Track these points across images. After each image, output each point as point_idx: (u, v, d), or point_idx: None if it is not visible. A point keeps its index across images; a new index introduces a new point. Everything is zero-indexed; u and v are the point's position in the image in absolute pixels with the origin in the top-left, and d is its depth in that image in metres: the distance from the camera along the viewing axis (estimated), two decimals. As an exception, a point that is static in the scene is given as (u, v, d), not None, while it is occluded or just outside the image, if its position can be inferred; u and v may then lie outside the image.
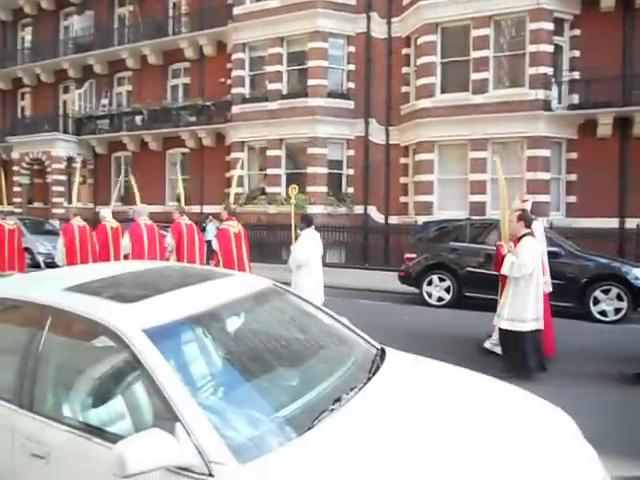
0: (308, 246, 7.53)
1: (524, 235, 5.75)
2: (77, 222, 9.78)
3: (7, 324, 3.17)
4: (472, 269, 9.68)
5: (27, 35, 25.90)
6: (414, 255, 10.66)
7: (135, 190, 10.37)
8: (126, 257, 8.78)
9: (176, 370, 2.34)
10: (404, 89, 16.86)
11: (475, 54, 14.93)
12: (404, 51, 16.88)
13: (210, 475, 1.97)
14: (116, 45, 21.82)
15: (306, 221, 7.87)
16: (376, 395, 2.56)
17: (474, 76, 14.96)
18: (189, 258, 8.91)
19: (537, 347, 5.72)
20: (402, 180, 17.07)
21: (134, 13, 21.83)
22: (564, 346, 6.47)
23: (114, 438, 2.23)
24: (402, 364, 3.01)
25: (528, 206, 6.61)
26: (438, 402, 2.60)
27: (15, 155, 23.74)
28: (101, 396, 2.57)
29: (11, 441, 2.49)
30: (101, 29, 22.79)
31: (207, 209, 19.13)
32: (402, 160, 17.07)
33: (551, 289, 6.78)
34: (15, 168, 23.89)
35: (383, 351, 3.14)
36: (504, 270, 5.76)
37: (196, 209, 20.00)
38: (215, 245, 8.25)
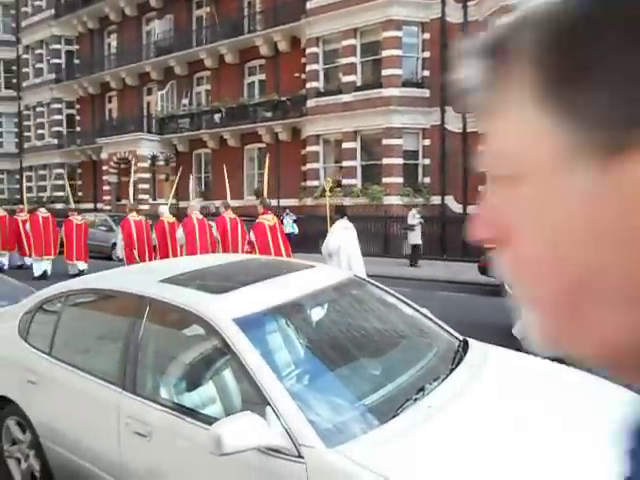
0: (339, 235, 7.72)
1: None
2: (133, 217, 10.76)
3: (109, 313, 3.44)
4: None
5: (113, 41, 27.34)
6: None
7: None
8: (181, 247, 9.81)
9: (263, 357, 2.46)
10: (481, 74, 16.37)
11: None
12: (481, 35, 16.34)
13: (299, 457, 2.06)
14: (195, 46, 22.58)
15: (339, 212, 8.20)
16: (459, 386, 2.56)
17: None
18: (234, 250, 9.51)
19: None
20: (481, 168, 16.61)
21: (211, 14, 22.49)
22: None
23: (206, 419, 2.39)
24: (485, 355, 2.98)
25: None
26: (524, 395, 2.56)
27: (104, 155, 25.21)
28: (194, 380, 2.76)
29: (117, 420, 2.71)
30: (180, 31, 23.67)
31: (284, 203, 19.50)
32: (480, 148, 16.57)
33: None
34: (104, 168, 25.39)
35: (466, 342, 3.13)
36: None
37: (273, 203, 20.43)
38: (252, 237, 8.78)
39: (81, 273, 11.46)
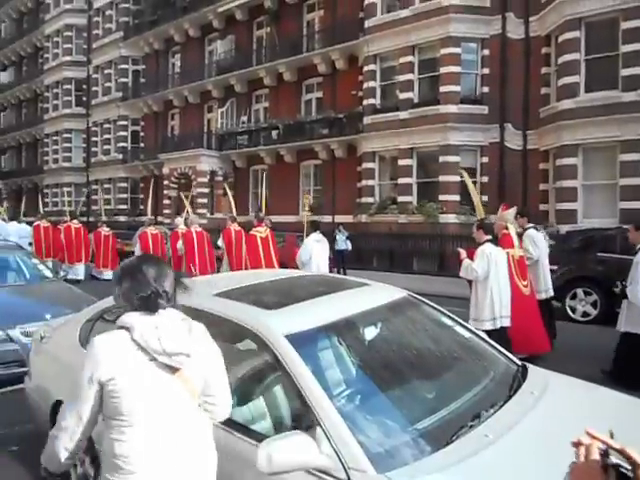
0: (312, 247, 8.64)
1: (485, 242, 6.17)
2: (151, 230, 12.26)
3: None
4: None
5: (177, 61, 28.40)
6: (556, 267, 9.99)
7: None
8: (180, 257, 10.92)
9: (314, 375, 2.42)
10: (544, 90, 15.94)
11: (625, 48, 13.70)
12: (543, 50, 15.96)
13: (348, 480, 2.01)
14: (255, 65, 23.14)
15: (313, 226, 9.20)
16: (517, 415, 2.44)
17: (624, 72, 13.73)
18: (237, 260, 10.45)
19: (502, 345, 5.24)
20: (542, 187, 16.09)
21: (271, 34, 23.02)
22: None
23: (256, 436, 2.37)
24: (546, 382, 2.83)
25: (512, 213, 7.37)
26: (586, 426, 2.42)
27: (165, 170, 26.08)
28: (245, 395, 2.74)
29: (168, 432, 2.73)
30: (241, 51, 24.32)
31: (339, 219, 19.52)
32: (541, 166, 16.11)
33: (552, 293, 7.60)
34: (165, 182, 26.23)
35: (524, 368, 2.99)
36: (461, 273, 6.29)
37: (328, 219, 20.49)
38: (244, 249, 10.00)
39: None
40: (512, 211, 7.38)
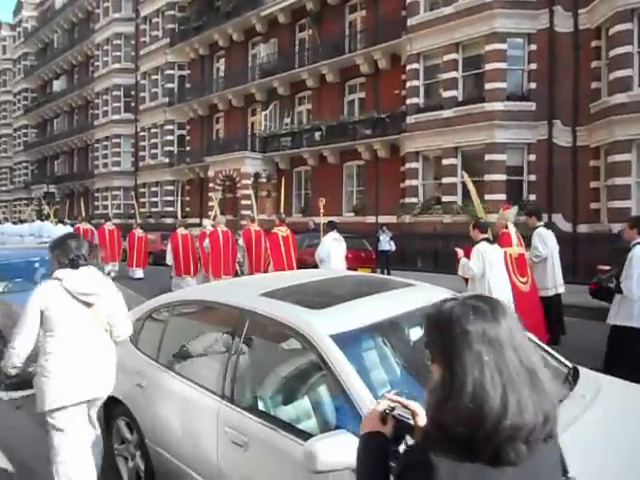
0: (329, 245, 9.15)
1: (481, 240, 6.43)
2: (181, 231, 12.54)
3: (212, 324, 3.57)
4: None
5: (221, 65, 28.85)
6: (608, 267, 9.63)
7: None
8: (207, 255, 11.55)
9: (359, 375, 2.42)
10: (594, 85, 15.43)
11: (682, 39, 13.15)
12: (593, 44, 15.45)
13: (394, 481, 2.00)
14: (297, 67, 23.26)
15: (330, 226, 9.66)
16: (567, 419, 2.37)
17: (681, 64, 13.17)
18: (257, 259, 11.32)
19: None
20: (592, 185, 15.57)
21: (313, 36, 23.12)
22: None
23: (301, 434, 2.39)
24: (598, 386, 2.75)
25: (513, 212, 7.65)
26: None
27: (211, 173, 26.54)
28: (290, 394, 2.76)
29: (216, 428, 2.79)
30: (284, 54, 24.50)
31: (382, 219, 19.44)
32: (592, 163, 15.59)
33: (562, 290, 7.69)
34: (210, 185, 26.70)
35: (575, 370, 2.91)
36: (458, 271, 6.62)
37: (371, 219, 20.44)
38: (268, 247, 10.65)
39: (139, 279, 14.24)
40: (513, 210, 7.64)
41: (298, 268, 10.00)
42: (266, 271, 10.77)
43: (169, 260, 12.24)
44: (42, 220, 21.04)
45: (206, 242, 11.55)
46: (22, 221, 22.74)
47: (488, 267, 6.22)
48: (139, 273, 15.11)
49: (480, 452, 1.09)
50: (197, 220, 28.01)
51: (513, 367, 1.14)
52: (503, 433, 1.08)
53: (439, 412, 1.13)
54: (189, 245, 12.27)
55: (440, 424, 1.13)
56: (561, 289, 7.76)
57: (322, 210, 11.21)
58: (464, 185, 17.36)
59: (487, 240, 6.50)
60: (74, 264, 3.05)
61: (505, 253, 6.70)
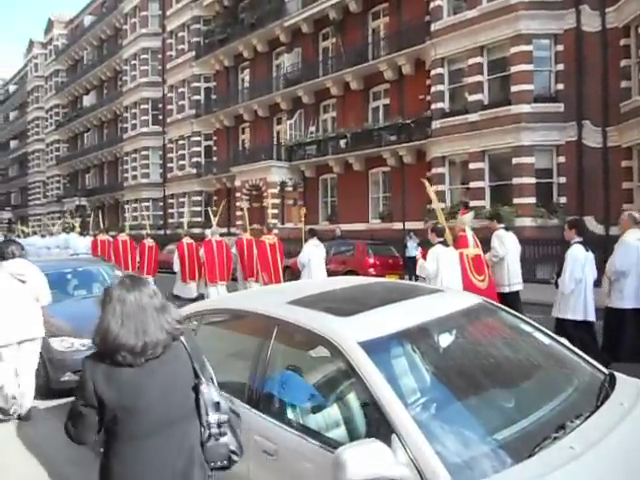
0: (310, 251, 10.10)
1: (437, 243, 7.22)
2: (186, 240, 13.78)
3: (241, 332, 3.59)
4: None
5: (246, 76, 29.17)
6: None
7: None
8: (202, 264, 12.59)
9: (389, 383, 2.39)
10: (624, 84, 15.11)
11: None
12: (622, 42, 15.14)
13: (426, 491, 1.97)
14: (321, 76, 23.36)
15: (310, 233, 10.69)
16: (605, 427, 2.30)
17: None
18: (249, 265, 12.10)
19: None
20: (625, 185, 15.20)
21: (336, 45, 23.20)
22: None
23: (331, 442, 2.38)
24: (636, 393, 2.66)
25: (470, 217, 8.31)
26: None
27: (237, 183, 26.79)
28: (319, 402, 2.75)
29: (246, 437, 2.78)
30: (308, 63, 24.66)
31: (409, 225, 19.31)
32: (624, 163, 15.23)
33: (518, 288, 8.27)
34: (237, 194, 26.94)
35: (612, 377, 2.82)
36: (417, 271, 7.38)
37: (398, 226, 20.33)
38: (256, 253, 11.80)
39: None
40: (470, 215, 8.37)
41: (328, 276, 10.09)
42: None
43: (176, 267, 13.55)
44: (67, 233, 22.15)
45: (201, 251, 12.57)
46: (51, 234, 23.64)
47: (442, 267, 6.96)
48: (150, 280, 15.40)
49: (106, 358, 1.98)
50: (225, 230, 28.30)
51: (133, 316, 2.00)
52: (113, 347, 1.95)
53: (95, 338, 2.00)
54: (194, 253, 13.33)
55: (95, 344, 2.02)
56: (518, 287, 8.27)
57: (302, 219, 12.33)
58: (492, 189, 17.19)
59: (442, 243, 7.29)
60: (5, 257, 5.05)
61: (462, 254, 7.40)
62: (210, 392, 2.14)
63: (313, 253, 10.16)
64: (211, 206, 30.95)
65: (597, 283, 6.69)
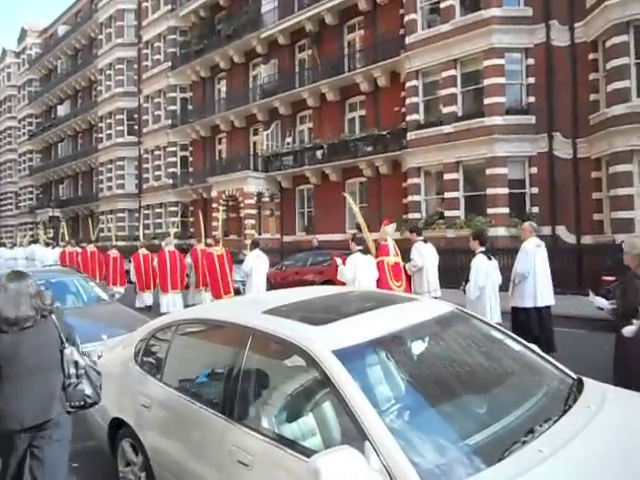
0: (252, 261, 10.87)
1: (356, 251, 8.03)
2: (142, 252, 13.92)
3: (215, 343, 3.58)
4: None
5: (222, 87, 29.14)
6: (613, 278, 9.59)
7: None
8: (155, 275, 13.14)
9: (363, 391, 2.42)
10: (593, 97, 15.52)
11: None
12: (590, 56, 15.57)
13: (399, 497, 1.99)
14: (298, 87, 23.47)
15: (253, 244, 11.44)
16: (572, 430, 2.36)
17: (679, 74, 13.23)
18: (202, 274, 12.64)
19: None
20: (595, 196, 15.57)
21: (313, 56, 23.37)
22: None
23: (305, 451, 2.38)
24: (603, 397, 2.73)
25: (392, 228, 8.79)
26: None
27: (214, 193, 26.65)
28: (293, 411, 2.76)
29: (221, 447, 2.78)
30: (284, 74, 24.75)
31: (385, 235, 19.41)
32: (594, 174, 15.60)
33: (437, 294, 8.88)
34: (214, 205, 26.82)
35: (580, 381, 2.90)
36: (337, 276, 7.86)
37: (375, 236, 20.39)
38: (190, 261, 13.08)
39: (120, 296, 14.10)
40: (392, 227, 8.82)
41: (301, 285, 10.11)
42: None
43: (132, 277, 14.02)
44: (35, 243, 22.91)
45: (155, 261, 13.25)
46: (20, 245, 23.79)
47: (359, 273, 7.66)
48: (119, 290, 15.34)
49: None
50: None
51: (11, 298, 2.89)
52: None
53: None
54: (149, 263, 13.77)
55: None
56: (436, 293, 8.89)
57: (247, 232, 12.66)
58: (466, 199, 17.45)
59: (361, 251, 8.02)
60: None
61: (382, 261, 8.01)
62: (72, 354, 3.03)
63: (255, 263, 10.91)
64: (187, 217, 30.84)
65: (503, 288, 7.44)
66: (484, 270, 6.97)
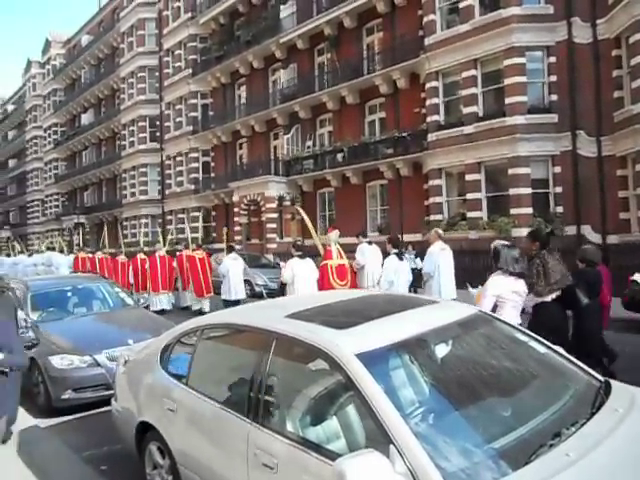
0: (229, 263, 12.10)
1: (295, 256, 8.99)
2: (140, 256, 14.88)
3: (240, 347, 3.61)
4: None
5: (242, 93, 29.36)
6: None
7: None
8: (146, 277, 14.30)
9: (387, 394, 2.42)
10: (617, 94, 15.26)
11: None
12: (614, 53, 15.32)
13: (424, 500, 1.99)
14: (317, 91, 23.53)
15: (229, 249, 12.95)
16: (600, 434, 2.33)
17: None
18: (187, 278, 14.19)
19: None
20: (621, 194, 15.29)
21: (332, 60, 23.43)
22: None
23: (330, 454, 2.39)
24: (632, 400, 2.69)
25: (335, 234, 9.26)
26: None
27: (235, 198, 26.86)
28: (318, 414, 2.77)
29: (246, 451, 2.80)
30: (304, 78, 24.83)
31: (407, 238, 19.30)
32: (619, 172, 15.33)
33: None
34: (235, 210, 27.02)
35: (608, 384, 2.85)
36: (281, 278, 9.30)
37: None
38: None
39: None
40: (335, 233, 9.36)
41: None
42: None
43: (131, 279, 14.96)
44: (52, 250, 24.15)
45: (147, 265, 14.38)
46: (37, 252, 24.61)
47: (296, 273, 8.72)
48: (146, 295, 15.77)
49: None
50: (223, 245, 28.34)
51: None
52: None
53: None
54: (145, 267, 14.69)
55: None
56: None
57: (224, 237, 13.01)
58: (489, 200, 17.29)
59: (300, 256, 8.98)
60: None
61: (326, 264, 8.84)
62: (20, 314, 4.66)
63: (231, 265, 12.13)
64: (210, 222, 31.11)
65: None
66: (394, 268, 8.31)
